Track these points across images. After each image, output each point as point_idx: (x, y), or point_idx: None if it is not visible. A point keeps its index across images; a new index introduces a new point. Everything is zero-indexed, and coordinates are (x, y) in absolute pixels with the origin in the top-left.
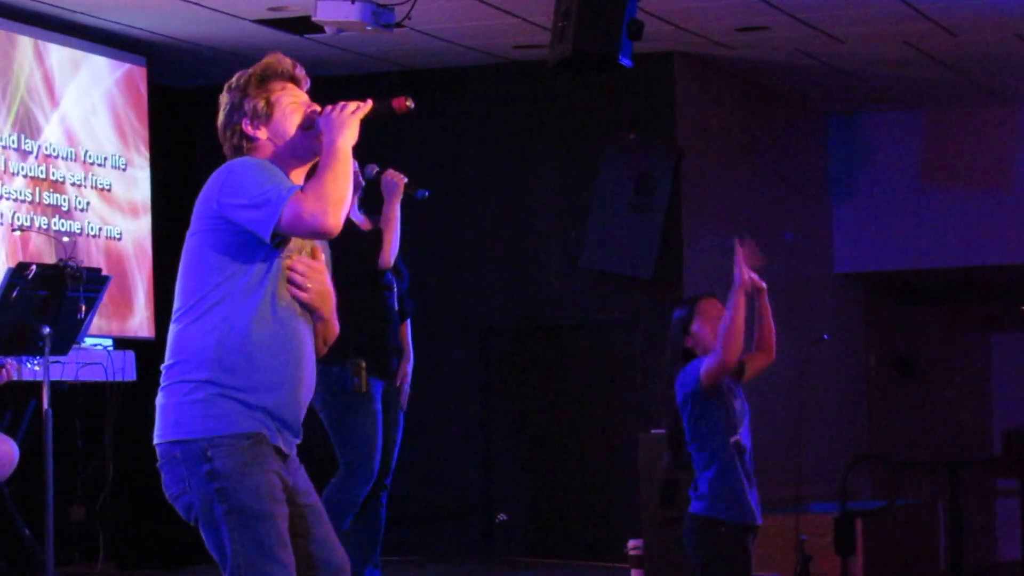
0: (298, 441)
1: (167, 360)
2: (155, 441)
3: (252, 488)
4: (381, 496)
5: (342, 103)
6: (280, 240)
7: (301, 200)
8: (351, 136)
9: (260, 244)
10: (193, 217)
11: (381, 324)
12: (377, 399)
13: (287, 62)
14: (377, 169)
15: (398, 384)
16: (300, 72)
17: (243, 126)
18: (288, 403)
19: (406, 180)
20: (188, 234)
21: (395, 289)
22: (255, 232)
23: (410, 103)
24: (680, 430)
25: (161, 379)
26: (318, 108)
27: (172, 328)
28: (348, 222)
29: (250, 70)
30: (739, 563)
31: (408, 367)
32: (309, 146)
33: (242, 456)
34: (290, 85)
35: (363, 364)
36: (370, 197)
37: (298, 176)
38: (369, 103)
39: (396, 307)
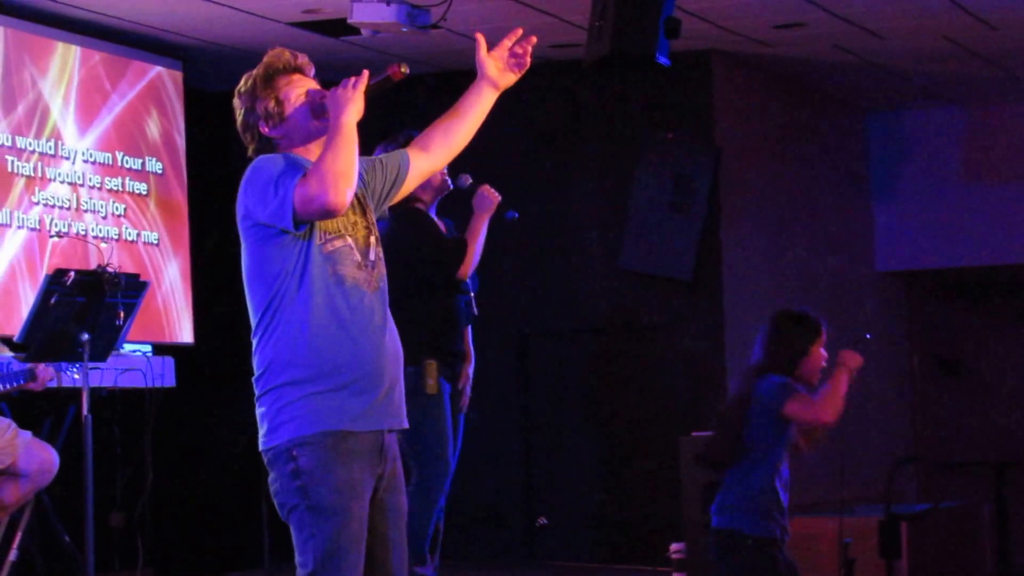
0: (398, 422)
1: (256, 372)
2: (260, 448)
3: (332, 485)
4: (441, 499)
5: (343, 80)
6: (308, 227)
7: (305, 183)
8: (355, 111)
9: (295, 238)
10: (239, 228)
11: (451, 328)
12: (447, 402)
13: (286, 55)
14: (471, 181)
15: (460, 387)
16: (303, 60)
17: (260, 129)
18: (372, 379)
19: (500, 199)
20: (242, 247)
21: (471, 296)
22: (283, 227)
23: (405, 69)
24: (736, 434)
25: (255, 390)
26: (325, 92)
27: (253, 341)
28: (435, 226)
29: (254, 72)
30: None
31: (470, 370)
32: (322, 129)
33: (325, 454)
34: (295, 76)
35: (435, 365)
36: (457, 205)
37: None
38: (365, 74)
39: (467, 312)
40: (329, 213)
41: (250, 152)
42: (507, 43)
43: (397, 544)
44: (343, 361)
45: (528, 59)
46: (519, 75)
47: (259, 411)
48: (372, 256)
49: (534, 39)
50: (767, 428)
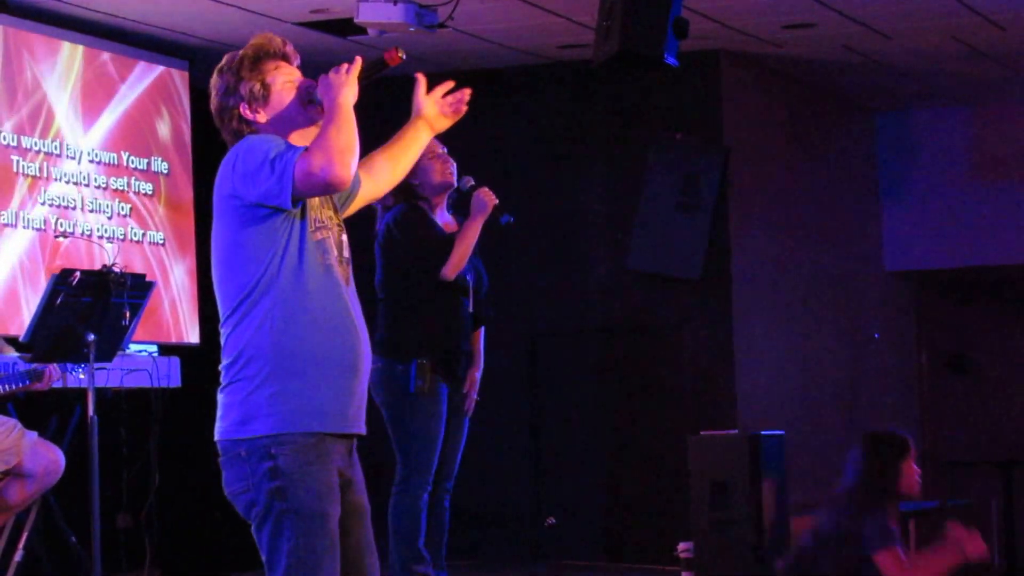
0: (361, 427)
1: (225, 360)
2: (217, 438)
3: (312, 488)
4: (444, 500)
5: (335, 67)
6: (301, 205)
7: (307, 156)
8: (351, 94)
9: (285, 221)
10: (215, 209)
11: (451, 327)
12: (442, 402)
13: (277, 41)
14: (472, 183)
15: (465, 391)
16: (290, 49)
17: (241, 110)
18: (350, 376)
19: (496, 202)
20: (215, 229)
21: (471, 295)
22: (276, 204)
23: (402, 54)
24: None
25: (221, 378)
26: (311, 82)
27: (224, 330)
28: (430, 221)
29: (241, 52)
30: None
31: (477, 374)
32: (309, 118)
33: (305, 455)
34: (283, 63)
35: (428, 365)
36: (460, 208)
37: (302, 142)
38: (359, 60)
39: (471, 312)
40: (332, 188)
41: (224, 134)
42: (440, 91)
43: (368, 545)
44: (328, 355)
45: (464, 107)
46: (454, 120)
47: (225, 399)
48: (347, 254)
49: (468, 91)
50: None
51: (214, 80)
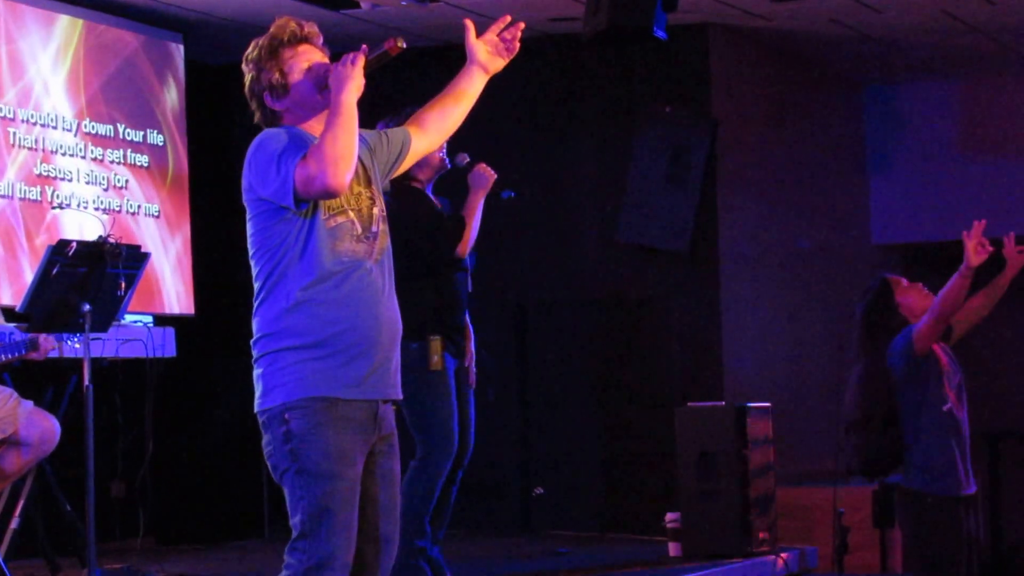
0: (393, 392)
1: (253, 336)
2: (255, 410)
3: (322, 448)
4: (458, 474)
5: (344, 56)
6: (311, 204)
7: (305, 165)
8: (355, 88)
9: (297, 213)
10: (244, 199)
11: (454, 303)
12: (451, 377)
13: (292, 25)
14: (468, 160)
15: (466, 364)
16: (309, 29)
17: (266, 100)
18: (367, 349)
19: (496, 177)
20: (247, 218)
21: (469, 272)
22: (284, 205)
23: (402, 43)
24: (888, 406)
25: (253, 353)
26: (328, 65)
27: (254, 308)
28: (432, 201)
29: (260, 41)
30: (950, 535)
31: (472, 347)
32: (326, 103)
33: (316, 417)
34: (301, 47)
35: (440, 341)
36: (455, 184)
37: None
38: (364, 49)
39: (468, 289)
40: (329, 194)
41: (256, 119)
42: (495, 29)
43: (388, 509)
44: (339, 331)
45: (517, 44)
46: (508, 59)
47: (255, 373)
48: (375, 228)
49: (522, 25)
50: (912, 378)
51: (243, 67)
